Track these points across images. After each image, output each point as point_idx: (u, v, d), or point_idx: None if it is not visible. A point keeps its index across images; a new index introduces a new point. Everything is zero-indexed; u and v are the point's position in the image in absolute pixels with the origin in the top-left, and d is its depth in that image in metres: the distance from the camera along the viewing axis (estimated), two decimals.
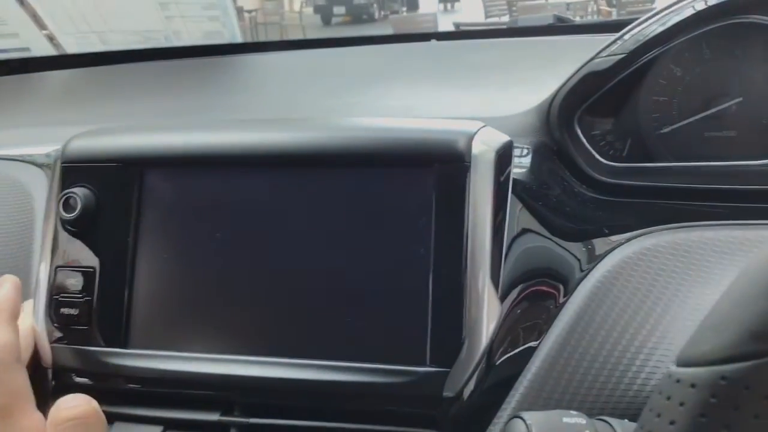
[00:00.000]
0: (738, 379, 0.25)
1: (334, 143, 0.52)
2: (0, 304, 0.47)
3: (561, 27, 1.11)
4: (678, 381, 0.26)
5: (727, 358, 0.25)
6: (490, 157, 0.50)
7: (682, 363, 0.27)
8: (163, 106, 0.92)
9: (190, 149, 0.55)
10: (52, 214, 0.56)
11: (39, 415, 0.43)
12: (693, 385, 0.26)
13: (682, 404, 0.26)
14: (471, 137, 0.50)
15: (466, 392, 0.48)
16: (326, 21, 12.13)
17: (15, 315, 0.48)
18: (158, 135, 0.57)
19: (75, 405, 0.43)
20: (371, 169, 0.51)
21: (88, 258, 0.55)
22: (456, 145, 0.50)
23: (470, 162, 0.49)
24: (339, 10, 12.17)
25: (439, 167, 0.50)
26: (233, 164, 0.54)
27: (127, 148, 0.56)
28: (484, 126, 0.52)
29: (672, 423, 0.26)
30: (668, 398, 0.26)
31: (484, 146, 0.50)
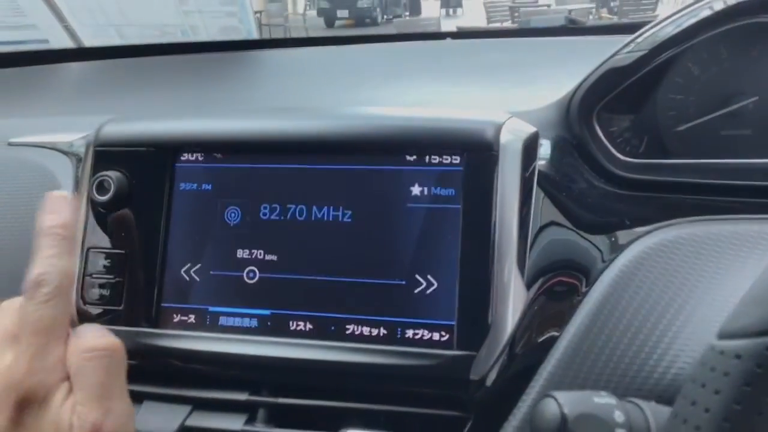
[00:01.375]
0: None
1: (365, 130, 0.53)
2: (63, 231, 0.45)
3: (573, 29, 1.12)
4: (722, 353, 0.27)
5: None
6: (518, 146, 0.51)
7: (726, 335, 0.28)
8: (181, 98, 0.93)
9: (222, 135, 0.56)
10: (84, 197, 0.57)
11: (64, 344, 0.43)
12: (738, 356, 0.27)
13: (726, 374, 0.27)
14: (499, 127, 0.51)
15: (492, 376, 0.49)
16: (329, 24, 12.16)
17: (76, 242, 0.48)
18: (191, 121, 0.58)
19: (99, 335, 0.43)
20: (402, 157, 0.52)
21: (120, 240, 0.56)
22: (484, 135, 0.51)
23: (498, 151, 0.50)
24: (342, 13, 12.20)
25: (467, 156, 0.51)
26: (264, 150, 0.55)
27: (161, 132, 0.57)
28: (511, 117, 0.53)
29: (717, 392, 0.27)
30: (712, 369, 0.27)
31: (512, 136, 0.51)
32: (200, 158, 0.56)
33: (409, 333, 0.50)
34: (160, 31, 1.19)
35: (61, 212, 0.46)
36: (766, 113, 0.62)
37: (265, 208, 0.54)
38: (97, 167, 0.57)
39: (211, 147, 0.56)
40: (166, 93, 0.96)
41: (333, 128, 0.54)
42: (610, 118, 0.64)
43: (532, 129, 0.54)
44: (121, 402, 0.43)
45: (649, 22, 0.62)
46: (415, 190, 0.52)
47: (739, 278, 0.51)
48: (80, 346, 0.42)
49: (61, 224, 0.45)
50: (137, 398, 0.55)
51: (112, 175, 0.55)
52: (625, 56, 0.60)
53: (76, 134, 0.69)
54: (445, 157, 0.51)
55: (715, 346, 0.28)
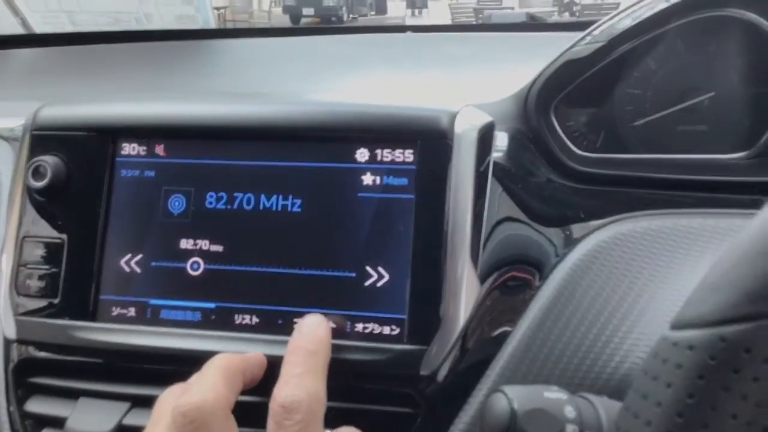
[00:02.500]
0: (738, 341, 0.25)
1: (317, 116, 0.52)
2: (318, 346, 0.44)
3: (533, 24, 1.12)
4: (675, 344, 0.26)
5: (726, 319, 0.25)
6: (473, 136, 0.50)
7: (679, 326, 0.27)
8: (134, 87, 0.90)
9: (163, 119, 0.54)
10: (20, 183, 0.54)
11: None
12: (691, 347, 0.25)
13: (679, 366, 0.25)
14: (454, 116, 0.50)
15: (443, 371, 0.48)
16: (295, 21, 12.08)
17: (328, 363, 0.45)
18: (131, 105, 0.56)
19: None
20: (354, 145, 0.51)
21: (57, 229, 0.53)
22: (439, 123, 0.50)
23: (453, 140, 0.49)
24: (308, 11, 12.14)
25: (421, 144, 0.49)
26: (208, 136, 0.53)
27: (100, 116, 0.55)
28: (466, 106, 0.52)
29: (669, 385, 0.26)
30: (664, 361, 0.26)
31: (468, 125, 0.50)
32: (142, 144, 0.53)
33: (359, 327, 0.49)
34: (114, 19, 1.16)
35: (316, 330, 0.44)
36: (721, 109, 0.62)
37: (211, 196, 0.52)
38: (33, 152, 0.54)
39: (152, 132, 0.53)
40: (118, 81, 0.93)
41: (283, 113, 0.52)
42: (568, 111, 0.63)
43: (488, 119, 0.53)
44: None
45: None
46: (367, 179, 0.50)
47: (694, 272, 0.51)
48: None
49: (311, 340, 0.43)
50: (73, 395, 0.52)
51: (49, 161, 0.53)
52: (582, 48, 0.60)
53: (18, 120, 0.66)
54: (397, 153, 0.50)
55: (668, 337, 0.27)
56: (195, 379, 0.44)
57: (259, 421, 0.46)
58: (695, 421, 0.25)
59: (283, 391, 0.40)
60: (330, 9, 12.41)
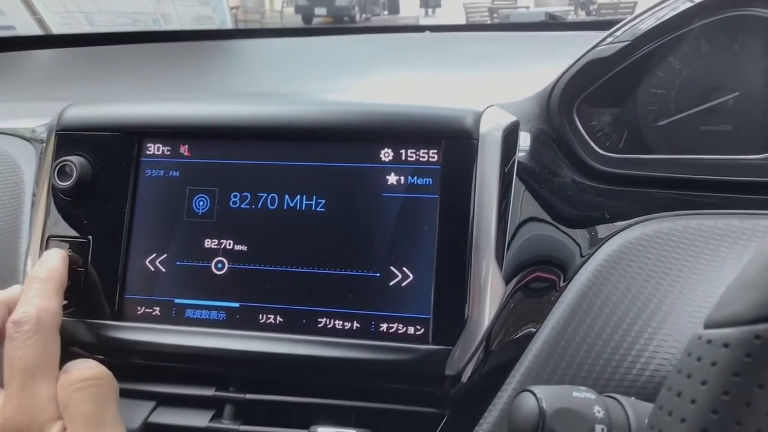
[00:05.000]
0: None
1: (342, 117, 0.52)
2: (49, 274, 0.48)
3: (552, 24, 1.12)
4: (709, 342, 0.26)
5: (761, 317, 0.25)
6: (498, 135, 0.50)
7: (713, 324, 0.27)
8: (151, 87, 0.91)
9: (188, 120, 0.54)
10: (45, 183, 0.55)
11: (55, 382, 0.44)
12: (726, 345, 0.25)
13: (714, 364, 0.25)
14: (479, 115, 0.50)
15: (468, 371, 0.48)
16: (307, 21, 12.10)
17: (62, 286, 0.49)
18: (156, 105, 0.56)
19: (86, 367, 0.44)
20: (378, 145, 0.51)
21: (82, 228, 0.53)
22: (464, 123, 0.49)
23: (478, 139, 0.49)
24: (320, 11, 12.15)
25: (446, 144, 0.49)
26: (234, 135, 0.53)
27: (125, 117, 0.55)
28: (491, 105, 0.52)
29: (704, 383, 0.26)
30: (699, 359, 0.26)
31: (493, 124, 0.50)
32: (167, 144, 0.54)
33: (383, 326, 0.49)
34: (132, 19, 1.16)
35: (48, 261, 0.49)
36: (746, 109, 0.61)
37: (235, 196, 0.52)
38: (59, 152, 0.55)
39: (178, 132, 0.54)
40: (136, 82, 0.93)
41: (307, 114, 0.52)
42: (591, 112, 0.63)
43: (512, 118, 0.53)
44: (113, 429, 0.43)
45: None
46: (392, 179, 0.50)
47: (719, 273, 0.51)
48: (68, 380, 0.43)
49: (43, 270, 0.49)
50: None
51: (75, 161, 0.53)
52: (606, 47, 0.59)
53: (39, 120, 0.66)
54: (422, 153, 0.50)
55: (702, 335, 0.27)
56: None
57: (265, 419, 0.46)
58: (730, 418, 0.25)
59: (15, 312, 0.45)
60: (342, 8, 12.41)
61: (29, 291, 0.47)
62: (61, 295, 0.48)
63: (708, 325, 0.27)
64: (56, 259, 0.50)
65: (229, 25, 1.18)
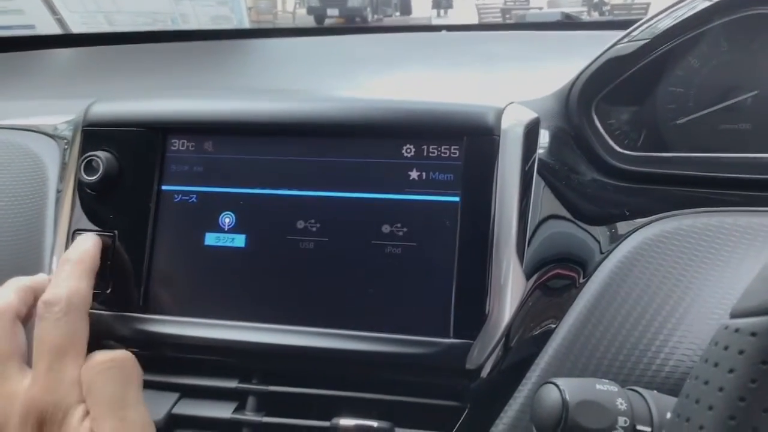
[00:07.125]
0: None
1: (365, 113, 0.52)
2: (81, 255, 0.49)
3: (568, 23, 1.12)
4: (737, 330, 0.26)
5: None
6: (520, 132, 0.50)
7: (740, 314, 0.27)
8: (170, 86, 0.92)
9: (212, 116, 0.55)
10: (71, 178, 0.56)
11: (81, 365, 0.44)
12: (753, 334, 0.26)
13: (741, 352, 0.26)
14: (501, 112, 0.50)
15: (488, 366, 0.48)
16: (319, 22, 12.04)
17: (93, 269, 0.50)
18: (181, 101, 0.57)
19: (110, 351, 0.45)
20: (400, 141, 0.51)
21: (108, 222, 0.54)
22: (486, 119, 0.50)
23: (500, 135, 0.49)
24: (332, 12, 12.12)
25: (468, 140, 0.50)
26: (255, 132, 0.54)
27: (150, 113, 0.56)
28: (512, 102, 0.52)
29: (731, 371, 0.26)
30: (726, 348, 0.27)
31: (514, 121, 0.50)
32: (191, 140, 0.54)
33: (405, 320, 0.49)
34: (151, 19, 1.17)
35: (81, 245, 0.51)
36: (765, 107, 0.61)
37: (257, 190, 0.53)
38: (85, 147, 0.56)
39: (202, 128, 0.54)
40: (155, 80, 0.94)
41: (330, 110, 0.53)
42: (609, 110, 0.63)
43: (533, 115, 0.53)
44: (135, 411, 0.44)
45: None
46: (413, 174, 0.51)
47: (739, 270, 0.51)
48: (90, 363, 0.44)
49: (76, 252, 0.50)
50: None
51: (101, 155, 0.54)
52: (626, 45, 0.60)
53: (61, 117, 0.67)
54: (443, 149, 0.50)
55: (729, 324, 0.27)
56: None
57: (287, 411, 0.47)
58: (758, 405, 0.26)
59: (46, 292, 0.46)
60: (354, 9, 12.38)
61: (61, 272, 0.48)
62: (92, 278, 0.49)
63: (734, 315, 0.27)
64: (89, 242, 0.51)
65: (247, 24, 1.19)
